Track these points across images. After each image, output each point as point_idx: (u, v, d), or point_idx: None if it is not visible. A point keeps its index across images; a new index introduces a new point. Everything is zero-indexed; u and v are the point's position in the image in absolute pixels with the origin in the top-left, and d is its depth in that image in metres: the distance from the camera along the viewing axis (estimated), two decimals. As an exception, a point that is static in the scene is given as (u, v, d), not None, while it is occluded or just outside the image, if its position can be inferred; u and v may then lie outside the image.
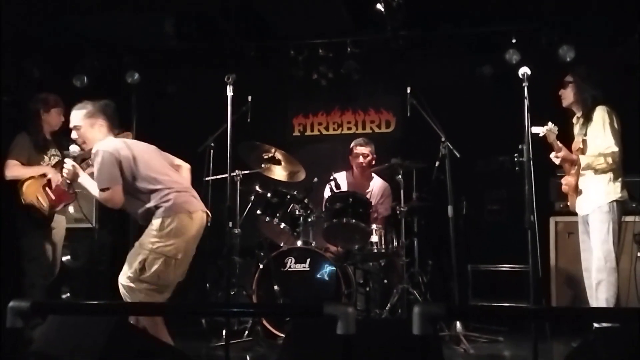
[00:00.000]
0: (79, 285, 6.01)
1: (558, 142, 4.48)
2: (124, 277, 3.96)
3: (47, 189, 5.14)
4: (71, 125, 4.20)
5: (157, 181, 4.05)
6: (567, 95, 4.65)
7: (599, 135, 4.46)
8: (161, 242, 3.93)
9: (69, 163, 4.20)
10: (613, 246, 4.37)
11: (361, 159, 5.99)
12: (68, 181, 4.25)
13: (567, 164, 4.63)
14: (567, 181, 4.65)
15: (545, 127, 4.34)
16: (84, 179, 4.19)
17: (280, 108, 7.20)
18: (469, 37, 6.38)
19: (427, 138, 5.55)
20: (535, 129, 4.28)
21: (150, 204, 4.00)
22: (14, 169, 5.08)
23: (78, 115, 4.19)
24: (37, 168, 5.15)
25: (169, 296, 4.06)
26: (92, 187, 4.09)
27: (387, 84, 6.92)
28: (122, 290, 3.98)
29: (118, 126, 4.28)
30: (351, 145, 6.08)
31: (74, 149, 4.26)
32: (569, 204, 4.73)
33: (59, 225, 5.29)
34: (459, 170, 5.39)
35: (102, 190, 3.99)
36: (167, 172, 4.16)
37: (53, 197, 5.15)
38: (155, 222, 3.97)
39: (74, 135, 4.19)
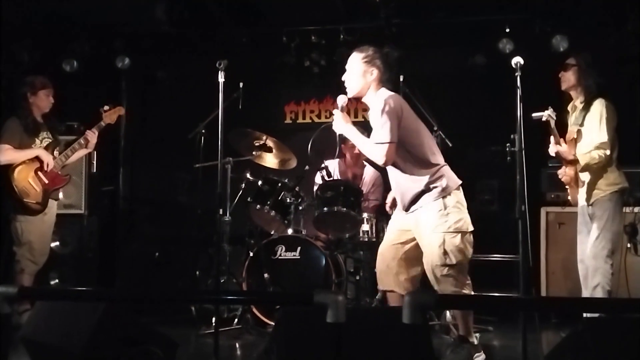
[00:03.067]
0: (68, 271, 5.99)
1: (556, 132, 4.47)
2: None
3: (39, 173, 5.11)
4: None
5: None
6: (568, 79, 4.59)
7: (594, 130, 4.44)
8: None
9: (337, 114, 4.00)
10: (611, 235, 4.38)
11: (348, 152, 5.96)
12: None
13: (563, 160, 4.60)
14: (566, 172, 4.63)
15: (547, 112, 4.32)
16: (353, 131, 3.98)
17: (272, 95, 7.16)
18: (462, 26, 6.35)
19: (419, 127, 5.52)
20: (537, 114, 4.27)
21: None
22: (7, 153, 5.03)
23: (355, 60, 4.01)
24: (30, 151, 5.11)
25: None
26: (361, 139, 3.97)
27: (380, 72, 6.88)
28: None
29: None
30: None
31: (342, 99, 4.04)
32: (569, 196, 4.72)
33: (50, 210, 5.24)
34: (450, 159, 5.37)
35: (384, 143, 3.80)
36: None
37: (46, 181, 5.12)
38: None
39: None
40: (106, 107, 5.38)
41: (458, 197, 3.92)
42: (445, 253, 3.82)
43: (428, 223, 3.85)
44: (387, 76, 4.03)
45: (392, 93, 3.99)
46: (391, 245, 4.06)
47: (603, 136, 4.39)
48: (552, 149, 4.52)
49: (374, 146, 3.85)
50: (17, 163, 5.05)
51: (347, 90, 4.03)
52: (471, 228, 3.93)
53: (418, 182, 3.88)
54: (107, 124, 5.36)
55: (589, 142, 4.46)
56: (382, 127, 3.80)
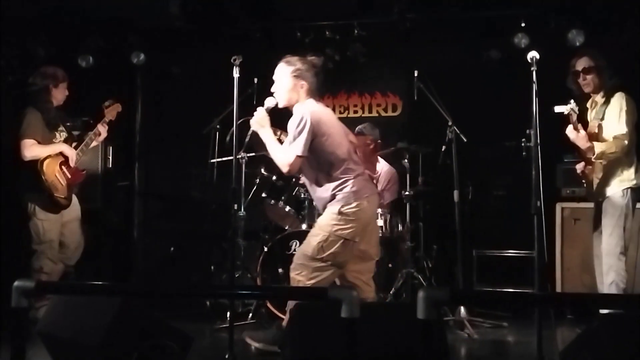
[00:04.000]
0: (84, 266, 6.02)
1: (580, 125, 4.44)
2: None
3: (63, 167, 5.07)
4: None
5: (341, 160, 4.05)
6: (592, 82, 4.56)
7: (613, 121, 4.42)
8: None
9: (261, 111, 4.09)
10: (624, 232, 4.36)
11: (361, 148, 5.95)
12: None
13: (581, 150, 4.56)
14: (584, 167, 4.61)
15: (569, 106, 4.29)
16: (268, 134, 4.09)
17: (286, 90, 7.15)
18: (477, 21, 6.31)
19: (433, 122, 5.52)
20: (559, 108, 4.25)
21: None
22: (33, 149, 4.93)
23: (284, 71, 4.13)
24: (55, 146, 5.05)
25: None
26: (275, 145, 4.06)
27: (394, 67, 6.88)
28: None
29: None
30: (354, 132, 6.04)
31: (271, 101, 4.13)
32: (586, 190, 4.69)
33: (75, 206, 5.21)
34: (465, 155, 5.37)
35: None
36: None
37: (69, 176, 5.09)
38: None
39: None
40: (107, 103, 5.36)
41: (360, 208, 3.97)
42: (320, 249, 3.91)
43: (321, 220, 4.01)
44: (315, 86, 4.13)
45: (317, 107, 4.09)
46: None
47: (622, 128, 4.37)
48: (570, 132, 4.46)
49: (283, 154, 3.99)
50: (43, 157, 4.96)
51: (278, 100, 4.12)
52: (357, 239, 3.97)
53: (326, 191, 4.00)
54: (109, 120, 5.34)
55: (608, 133, 4.44)
56: (295, 139, 3.93)
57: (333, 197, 3.98)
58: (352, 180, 3.99)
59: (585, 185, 4.68)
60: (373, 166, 6.06)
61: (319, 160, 4.00)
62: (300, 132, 3.93)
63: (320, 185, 4.04)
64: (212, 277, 6.01)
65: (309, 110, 4.00)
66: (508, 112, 5.60)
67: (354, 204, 3.94)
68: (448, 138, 5.30)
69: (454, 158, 5.27)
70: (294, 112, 4.08)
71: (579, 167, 4.65)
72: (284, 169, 4.02)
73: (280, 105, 4.15)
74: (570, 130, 4.45)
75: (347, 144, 4.16)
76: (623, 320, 2.74)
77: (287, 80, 4.10)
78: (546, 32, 5.97)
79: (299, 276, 3.94)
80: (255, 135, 4.17)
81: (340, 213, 3.93)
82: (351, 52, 6.49)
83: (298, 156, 3.93)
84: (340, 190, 3.97)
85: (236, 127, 4.13)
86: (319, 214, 4.17)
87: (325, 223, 3.97)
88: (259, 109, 4.11)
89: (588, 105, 4.64)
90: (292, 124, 4.00)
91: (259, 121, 4.08)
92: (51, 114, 5.09)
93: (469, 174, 5.68)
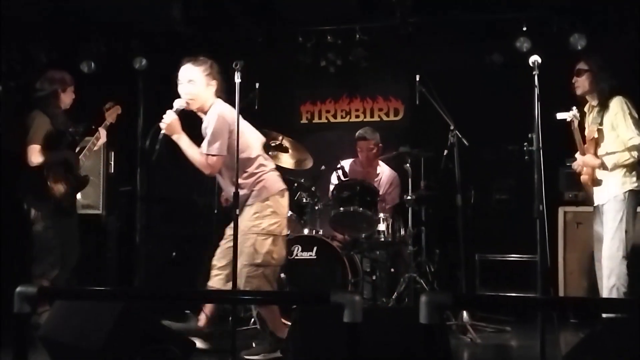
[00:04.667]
0: (86, 271, 6.02)
1: (579, 132, 4.44)
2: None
3: (67, 173, 5.02)
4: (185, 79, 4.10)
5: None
6: (582, 84, 4.58)
7: (620, 125, 4.40)
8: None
9: (170, 115, 4.05)
10: (626, 235, 4.35)
11: (364, 152, 5.97)
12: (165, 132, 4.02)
13: (583, 147, 4.55)
14: (585, 172, 4.60)
15: (571, 112, 4.30)
16: (181, 137, 4.08)
17: (288, 95, 7.17)
18: (479, 24, 6.32)
19: (435, 126, 5.52)
20: (562, 115, 4.26)
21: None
22: (41, 155, 4.86)
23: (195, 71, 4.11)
24: (60, 152, 4.99)
25: None
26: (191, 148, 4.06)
27: (396, 71, 6.88)
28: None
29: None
30: (355, 136, 6.05)
31: (180, 103, 4.10)
32: (586, 194, 4.69)
33: (75, 212, 5.20)
34: (467, 159, 5.36)
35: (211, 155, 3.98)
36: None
37: (73, 182, 5.06)
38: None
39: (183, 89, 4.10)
40: (107, 106, 5.35)
41: (277, 202, 4.10)
42: (255, 253, 3.98)
43: (242, 225, 3.98)
44: (222, 86, 4.16)
45: (227, 106, 4.11)
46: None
47: (631, 131, 4.35)
48: (579, 160, 4.49)
49: (203, 156, 4.01)
50: (49, 162, 4.89)
51: (190, 101, 4.10)
52: (285, 232, 4.11)
53: (241, 189, 4.00)
54: (110, 123, 5.32)
55: (613, 139, 4.42)
56: (214, 140, 3.97)
57: (249, 195, 4.05)
58: (265, 175, 4.09)
59: (585, 188, 4.67)
60: (374, 170, 6.07)
61: (233, 159, 3.98)
62: (219, 132, 3.97)
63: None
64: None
65: (223, 110, 4.05)
66: (510, 116, 5.60)
67: (270, 200, 4.04)
68: (450, 142, 5.30)
69: (456, 162, 5.26)
70: (209, 113, 4.08)
71: (577, 164, 4.63)
72: (206, 170, 4.06)
73: (193, 107, 4.14)
74: (578, 156, 4.48)
75: (258, 141, 4.22)
76: (626, 324, 2.73)
77: (199, 81, 4.10)
78: (548, 35, 5.97)
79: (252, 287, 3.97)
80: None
81: (258, 211, 4.01)
82: (353, 56, 6.49)
83: (218, 156, 3.99)
84: (255, 187, 4.05)
85: (238, 132, 4.13)
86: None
87: (249, 226, 4.02)
88: (168, 112, 4.05)
89: (585, 109, 4.63)
90: (209, 125, 4.02)
91: (171, 125, 4.03)
92: (60, 119, 5.04)
93: (471, 178, 5.67)
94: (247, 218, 4.03)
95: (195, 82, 4.10)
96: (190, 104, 4.11)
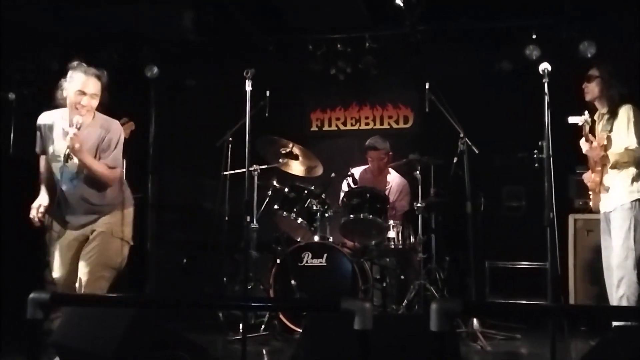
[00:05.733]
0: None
1: (591, 136, 4.44)
2: None
3: None
4: (88, 91, 4.03)
5: None
6: (592, 90, 4.57)
7: (622, 133, 4.40)
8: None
9: (74, 134, 3.89)
10: (634, 244, 4.33)
11: (375, 161, 5.98)
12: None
13: (592, 161, 4.56)
14: (592, 179, 4.59)
15: (583, 117, 4.29)
16: (88, 155, 4.01)
17: (298, 103, 7.20)
18: (489, 32, 6.34)
19: (445, 134, 5.52)
20: (573, 119, 4.24)
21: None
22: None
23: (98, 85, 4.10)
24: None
25: None
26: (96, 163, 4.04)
27: (405, 79, 6.90)
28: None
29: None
30: (365, 145, 6.06)
31: (79, 119, 3.94)
32: (591, 202, 4.67)
33: None
34: (477, 166, 5.36)
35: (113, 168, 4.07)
36: None
37: None
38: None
39: (85, 101, 4.00)
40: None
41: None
42: (118, 256, 4.11)
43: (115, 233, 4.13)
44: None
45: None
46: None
47: (631, 140, 4.35)
48: (583, 144, 4.47)
49: (106, 169, 4.05)
50: None
51: (89, 115, 4.07)
52: (131, 243, 4.20)
53: (115, 198, 4.18)
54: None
55: (618, 145, 4.42)
56: (117, 154, 4.12)
57: (122, 200, 4.18)
58: (124, 185, 4.27)
59: (591, 196, 4.66)
60: (384, 178, 6.08)
61: None
62: (117, 145, 4.11)
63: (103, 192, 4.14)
64: (224, 289, 6.02)
65: (118, 123, 4.22)
66: (520, 123, 5.60)
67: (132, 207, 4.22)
68: (460, 149, 5.29)
69: (466, 169, 5.26)
70: (110, 126, 4.14)
71: (587, 176, 4.63)
72: (111, 182, 4.11)
73: (93, 121, 4.08)
74: (583, 142, 4.45)
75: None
76: (637, 333, 2.72)
77: (100, 95, 4.10)
78: (558, 43, 5.97)
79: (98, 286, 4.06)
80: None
81: (123, 217, 4.14)
82: (363, 64, 6.52)
83: (120, 168, 4.16)
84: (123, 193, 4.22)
85: (249, 140, 4.16)
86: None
87: (118, 230, 4.12)
88: (70, 130, 3.90)
89: (596, 117, 4.63)
90: (113, 138, 4.10)
91: (76, 144, 3.89)
92: None
93: (481, 185, 5.66)
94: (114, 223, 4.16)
95: (98, 96, 4.14)
96: (91, 118, 4.14)
